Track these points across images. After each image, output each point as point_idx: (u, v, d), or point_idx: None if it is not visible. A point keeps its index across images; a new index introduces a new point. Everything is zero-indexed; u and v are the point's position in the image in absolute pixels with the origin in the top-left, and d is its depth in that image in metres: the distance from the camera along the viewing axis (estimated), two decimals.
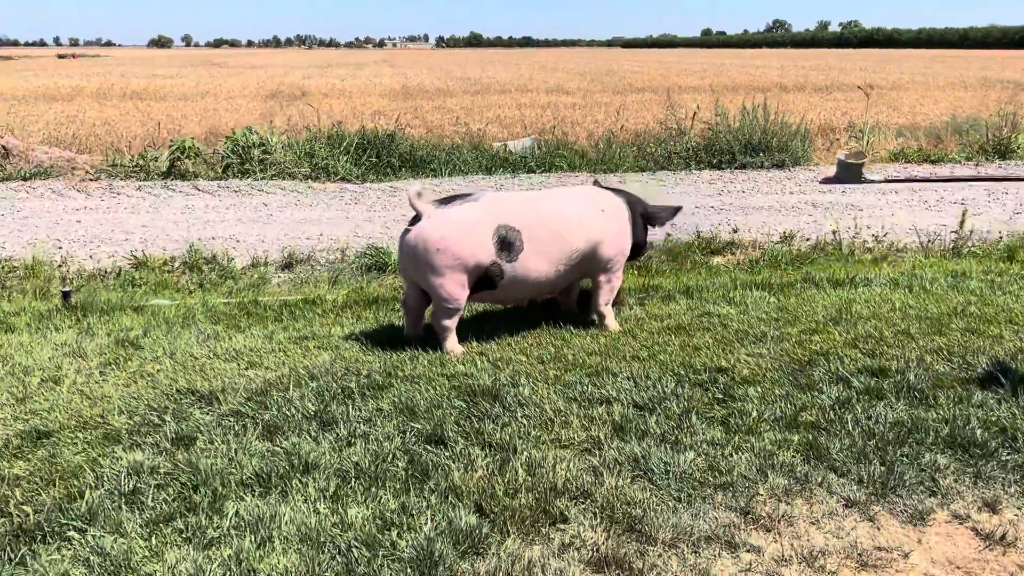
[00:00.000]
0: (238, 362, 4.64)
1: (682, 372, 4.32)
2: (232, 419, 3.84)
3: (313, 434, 3.66)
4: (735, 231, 8.17)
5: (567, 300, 5.46)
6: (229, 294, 6.05)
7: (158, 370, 4.52)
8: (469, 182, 11.38)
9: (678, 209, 5.28)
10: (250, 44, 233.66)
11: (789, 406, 3.85)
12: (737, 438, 3.57)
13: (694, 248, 7.36)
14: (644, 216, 5.22)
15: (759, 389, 4.05)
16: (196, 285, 6.27)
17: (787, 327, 5.01)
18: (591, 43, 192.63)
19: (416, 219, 4.69)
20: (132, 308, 5.56)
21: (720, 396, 4.00)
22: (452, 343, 4.79)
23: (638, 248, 5.26)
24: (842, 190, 10.73)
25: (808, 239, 7.83)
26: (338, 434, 3.65)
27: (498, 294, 4.84)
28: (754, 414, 3.77)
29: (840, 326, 4.99)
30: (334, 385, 4.20)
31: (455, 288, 4.64)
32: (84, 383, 4.29)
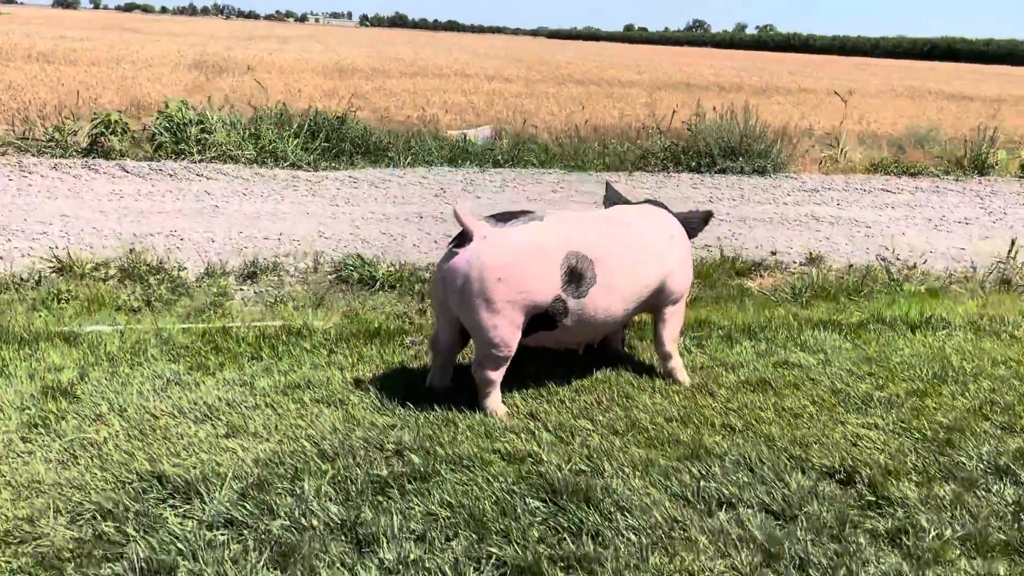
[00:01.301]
0: (214, 424, 3.50)
1: (800, 454, 3.40)
2: (224, 532, 2.72)
3: (348, 562, 2.57)
4: (773, 252, 7.31)
5: (614, 340, 4.48)
6: (187, 317, 4.83)
7: (105, 438, 3.33)
8: (435, 174, 10.26)
9: (709, 215, 4.37)
10: (164, 10, 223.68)
11: (966, 515, 2.97)
12: (930, 574, 2.65)
13: (721, 268, 6.47)
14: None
15: (914, 486, 3.16)
16: (142, 302, 5.01)
17: (888, 385, 4.16)
18: (516, 31, 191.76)
19: (463, 239, 3.62)
20: (62, 337, 4.30)
21: (871, 497, 3.10)
22: (496, 401, 3.75)
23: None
24: (836, 202, 10.07)
25: (837, 262, 7.03)
26: (383, 561, 2.58)
27: (555, 336, 3.83)
28: (931, 530, 2.87)
29: (948, 385, 4.16)
30: (358, 471, 3.11)
31: (510, 330, 3.61)
32: None
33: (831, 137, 13.63)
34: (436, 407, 3.70)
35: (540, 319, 3.69)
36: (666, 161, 11.72)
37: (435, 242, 7.22)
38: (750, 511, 2.97)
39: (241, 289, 5.57)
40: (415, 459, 3.21)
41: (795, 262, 7.01)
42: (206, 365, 4.09)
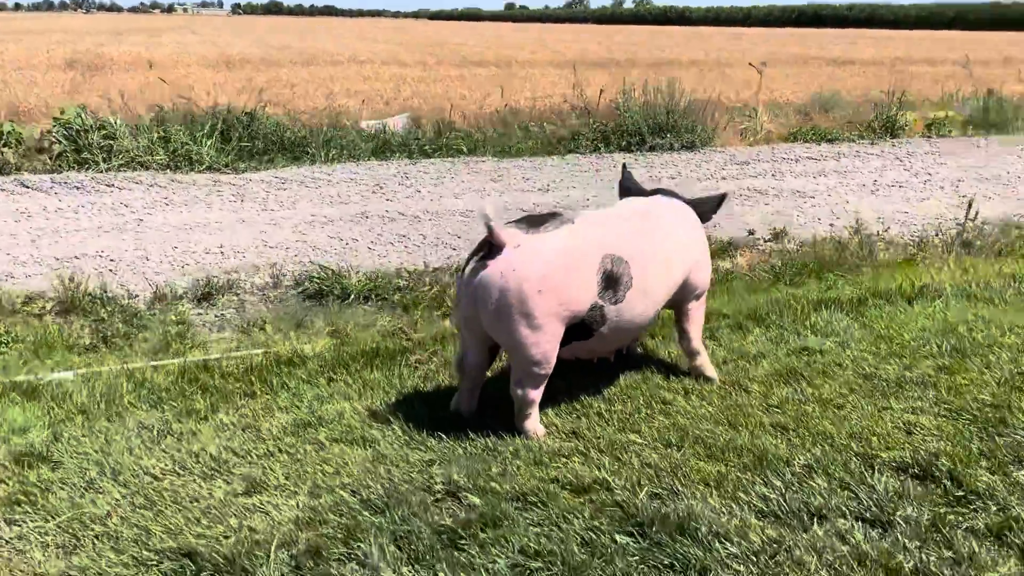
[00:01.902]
0: (227, 480, 3.08)
1: (863, 450, 3.25)
2: None
3: None
4: (751, 232, 7.19)
5: (632, 342, 4.25)
6: (154, 353, 4.31)
7: (108, 511, 2.87)
8: (365, 169, 9.78)
9: (723, 198, 4.18)
10: (18, 7, 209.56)
11: None
12: None
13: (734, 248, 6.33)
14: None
15: (988, 474, 3.04)
16: (97, 339, 4.45)
17: (914, 365, 4.07)
18: (396, 14, 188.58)
19: (489, 249, 3.29)
20: (17, 390, 3.75)
21: (957, 492, 2.96)
22: (535, 422, 3.46)
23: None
24: (771, 174, 10.13)
25: (799, 235, 7.00)
26: None
27: (590, 346, 3.56)
28: None
29: (970, 359, 4.11)
30: (418, 522, 2.76)
31: (551, 345, 3.32)
32: None
33: (748, 108, 13.77)
34: (470, 435, 3.38)
35: (576, 329, 3.41)
36: (596, 142, 11.56)
37: (390, 244, 6.83)
38: (844, 521, 2.78)
39: (200, 313, 5.06)
40: (476, 500, 2.89)
41: (762, 239, 6.94)
42: (195, 409, 3.64)
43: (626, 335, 3.63)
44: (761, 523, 2.78)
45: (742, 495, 2.93)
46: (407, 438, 3.37)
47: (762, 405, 3.68)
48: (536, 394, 3.40)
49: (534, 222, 3.45)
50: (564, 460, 3.20)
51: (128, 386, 3.81)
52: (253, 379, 3.90)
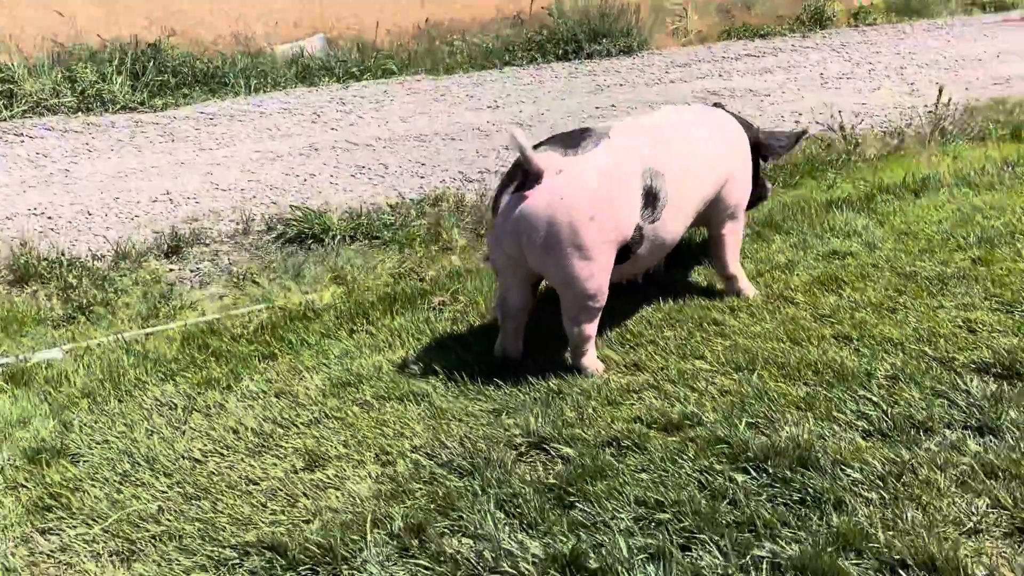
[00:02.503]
0: (278, 455, 2.77)
1: (939, 354, 3.15)
2: None
3: None
4: None
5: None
6: (144, 320, 3.86)
7: (160, 507, 2.53)
8: (296, 99, 9.15)
9: (802, 135, 3.98)
10: None
11: None
12: None
13: None
14: (755, 145, 3.84)
15: None
16: (72, 308, 3.96)
17: (949, 258, 3.98)
18: None
19: (527, 177, 2.98)
20: (2, 376, 3.29)
21: None
22: (594, 358, 3.24)
23: (753, 193, 3.89)
24: (718, 74, 9.93)
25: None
26: None
27: (624, 269, 3.32)
28: None
29: (999, 248, 4.05)
30: (518, 483, 2.52)
31: (605, 274, 3.08)
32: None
33: (676, 7, 13.47)
34: (529, 379, 3.12)
35: (617, 253, 3.16)
36: (532, 52, 11.12)
37: (352, 176, 6.38)
38: (951, 432, 2.66)
39: (173, 269, 4.58)
40: (568, 451, 2.65)
41: None
42: (215, 378, 3.27)
43: (658, 255, 3.42)
44: (870, 444, 2.64)
45: (839, 415, 2.78)
46: (460, 388, 3.10)
47: (815, 316, 3.53)
48: (593, 328, 3.17)
49: (568, 142, 3.14)
50: (638, 396, 2.99)
51: (129, 360, 3.40)
52: (269, 338, 3.54)
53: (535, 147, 3.07)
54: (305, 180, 6.31)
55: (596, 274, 3.04)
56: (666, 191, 3.22)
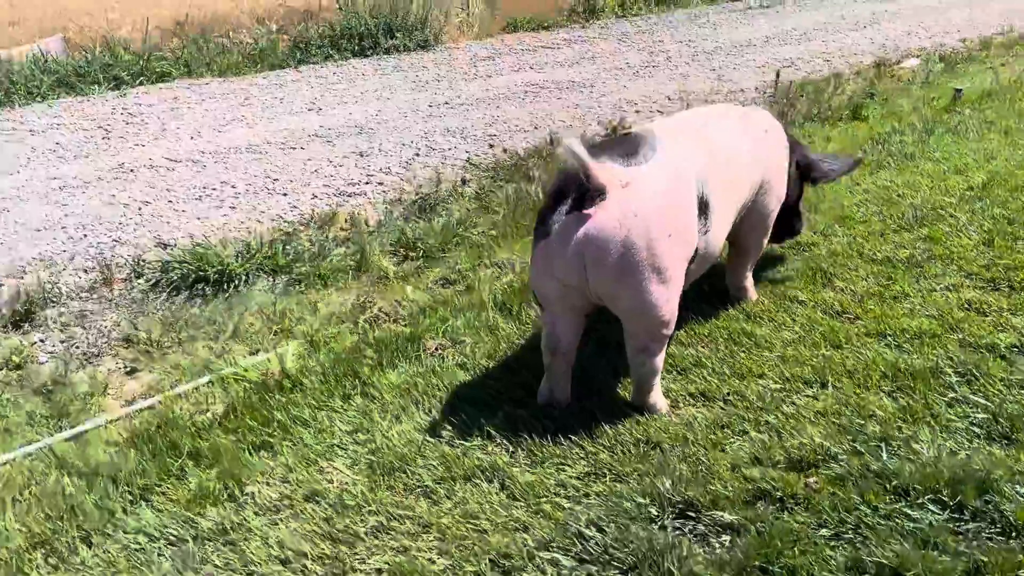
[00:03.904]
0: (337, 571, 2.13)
1: (970, 338, 3.13)
2: None
3: None
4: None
5: None
6: (57, 421, 2.89)
7: None
8: (63, 109, 7.76)
9: (859, 162, 3.87)
10: None
11: None
12: None
13: None
14: (802, 167, 3.61)
15: None
16: None
17: (903, 239, 4.05)
18: None
19: (586, 193, 2.55)
20: None
21: None
22: (660, 394, 2.87)
23: (788, 220, 3.63)
24: (530, 66, 9.80)
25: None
26: None
27: None
28: None
29: (939, 224, 4.20)
30: (707, 569, 2.11)
31: (677, 297, 2.72)
32: None
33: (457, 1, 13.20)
34: (594, 428, 2.70)
35: None
36: (326, 49, 10.34)
37: (197, 199, 5.44)
38: None
39: (37, 343, 3.55)
40: (727, 516, 2.28)
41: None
42: (206, 489, 2.49)
43: (702, 271, 3.12)
44: (1009, 451, 2.52)
45: (952, 423, 2.65)
46: (527, 452, 2.61)
47: (829, 313, 3.43)
48: (662, 360, 2.80)
49: (623, 149, 2.74)
50: (735, 433, 2.68)
51: (73, 483, 2.49)
52: (248, 422, 2.78)
53: (593, 155, 2.61)
54: (140, 209, 5.28)
55: (672, 298, 2.67)
56: (714, 199, 2.92)
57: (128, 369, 3.30)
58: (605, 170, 2.59)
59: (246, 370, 3.10)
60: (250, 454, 2.66)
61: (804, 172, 3.58)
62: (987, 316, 3.34)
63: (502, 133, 6.78)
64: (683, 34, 11.68)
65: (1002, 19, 10.94)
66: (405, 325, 3.45)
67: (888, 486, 2.35)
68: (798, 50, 9.84)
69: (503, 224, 4.46)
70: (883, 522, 2.22)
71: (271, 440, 2.72)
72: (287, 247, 4.21)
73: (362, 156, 6.29)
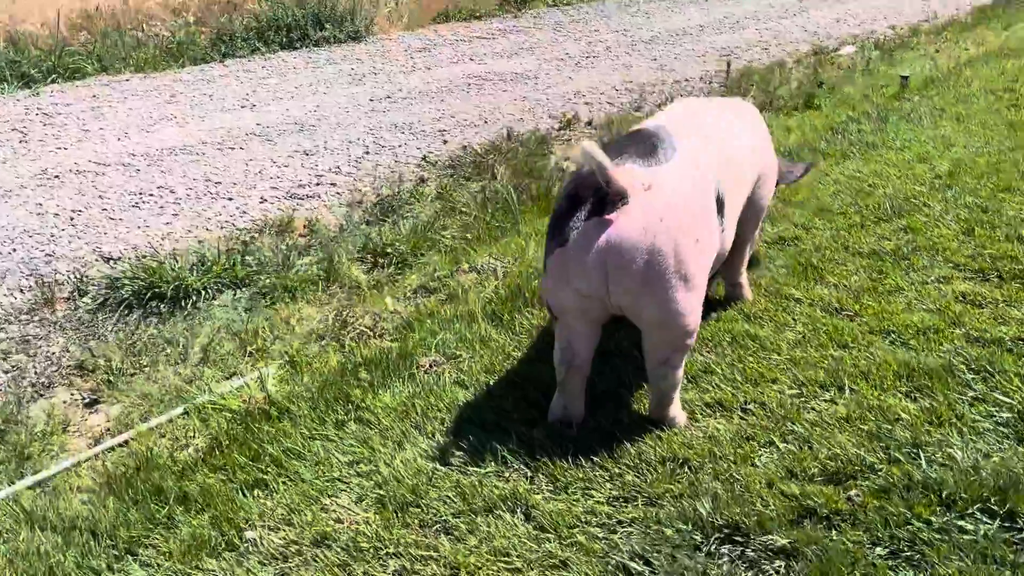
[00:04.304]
0: None
1: (982, 330, 3.09)
2: None
3: None
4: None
5: None
6: (17, 464, 2.56)
7: None
8: None
9: (810, 167, 3.77)
10: None
11: None
12: None
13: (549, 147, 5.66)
14: None
15: None
16: None
17: (883, 231, 4.02)
18: None
19: (605, 198, 2.38)
20: None
21: None
22: (680, 407, 2.72)
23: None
24: (469, 58, 9.56)
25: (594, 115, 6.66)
26: None
27: None
28: None
29: (915, 215, 4.17)
30: None
31: (700, 303, 2.58)
32: None
33: None
34: (615, 447, 2.54)
35: None
36: (252, 41, 9.90)
37: (134, 206, 5.07)
38: None
39: None
40: (778, 539, 2.14)
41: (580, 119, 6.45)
42: (200, 537, 2.23)
43: (714, 271, 2.99)
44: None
45: (982, 424, 2.58)
46: (548, 478, 2.43)
47: (828, 311, 3.35)
48: (682, 372, 2.65)
49: (638, 149, 2.57)
50: (761, 445, 2.55)
51: (46, 539, 2.20)
52: (236, 457, 2.52)
53: (605, 157, 2.43)
54: (72, 219, 4.88)
55: (697, 306, 2.53)
56: (728, 198, 2.80)
57: (87, 401, 2.98)
58: (626, 173, 2.42)
59: (224, 397, 2.82)
60: (244, 494, 2.40)
61: None
62: (984, 308, 3.31)
63: (452, 128, 6.55)
64: (617, 23, 11.61)
65: (924, 4, 11.22)
66: (392, 340, 3.22)
67: (933, 497, 2.25)
68: (734, 38, 9.86)
69: (475, 225, 4.25)
70: (938, 536, 2.12)
71: (265, 477, 2.47)
72: (246, 257, 3.91)
73: (307, 155, 5.98)
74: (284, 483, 2.46)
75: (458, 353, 3.08)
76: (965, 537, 2.12)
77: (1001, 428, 2.55)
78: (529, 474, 2.45)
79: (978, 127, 5.58)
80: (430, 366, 3.01)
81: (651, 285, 2.40)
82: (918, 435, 2.52)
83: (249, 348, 3.18)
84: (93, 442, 2.70)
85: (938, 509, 2.20)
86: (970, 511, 2.20)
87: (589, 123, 6.26)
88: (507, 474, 2.46)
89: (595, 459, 2.49)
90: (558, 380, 2.65)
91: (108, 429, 2.77)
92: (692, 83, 7.77)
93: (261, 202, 5.05)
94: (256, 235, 4.39)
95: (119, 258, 4.13)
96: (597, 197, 2.41)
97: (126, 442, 2.67)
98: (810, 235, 4.04)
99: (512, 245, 4.01)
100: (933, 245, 3.85)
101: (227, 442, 2.61)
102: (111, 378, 3.06)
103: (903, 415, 2.62)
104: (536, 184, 4.75)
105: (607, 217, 2.39)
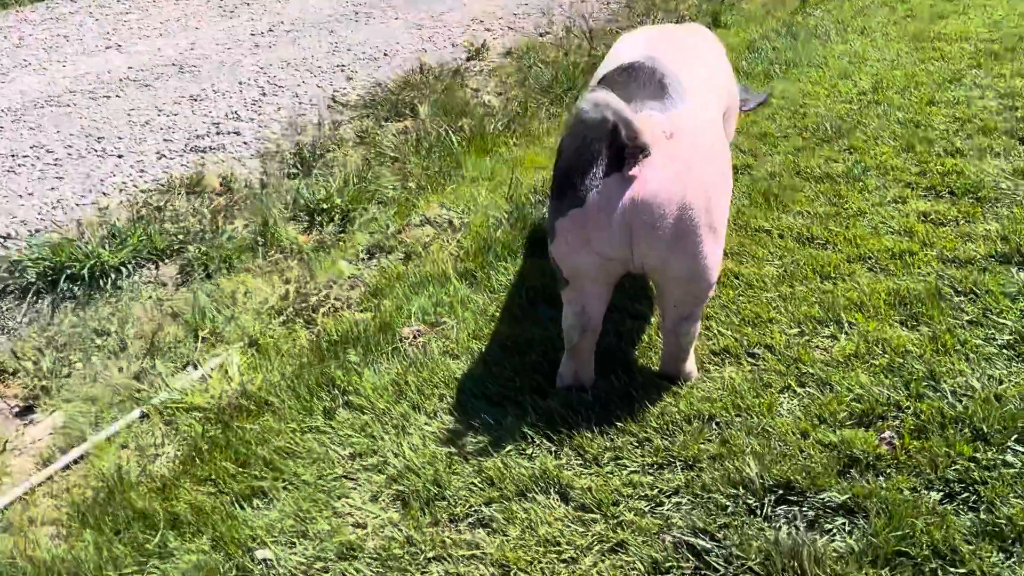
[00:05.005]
0: None
1: (952, 251, 3.12)
2: None
3: None
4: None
5: None
6: None
7: None
8: None
9: (765, 100, 3.62)
10: None
11: None
12: None
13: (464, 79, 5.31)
14: None
15: None
16: None
17: (830, 153, 4.01)
18: None
19: (617, 152, 2.18)
20: None
21: None
22: (694, 360, 2.60)
23: None
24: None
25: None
26: None
27: None
28: None
29: (854, 136, 4.18)
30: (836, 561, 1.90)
31: (722, 250, 2.45)
32: None
33: None
34: (635, 409, 2.41)
35: None
36: None
37: (9, 171, 4.45)
38: None
39: None
40: (836, 496, 2.07)
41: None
42: (206, 567, 1.95)
43: None
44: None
45: (986, 349, 2.58)
46: (574, 451, 2.27)
47: (801, 240, 3.29)
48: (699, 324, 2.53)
49: (644, 91, 2.35)
50: (780, 392, 2.47)
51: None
52: (218, 463, 2.22)
53: (609, 101, 2.20)
54: None
55: (720, 257, 2.38)
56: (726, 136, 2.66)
57: (18, 410, 2.57)
58: (647, 121, 2.21)
59: (187, 394, 2.48)
60: (242, 507, 2.12)
61: None
62: (946, 227, 3.33)
63: (352, 63, 6.09)
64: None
65: None
66: (362, 310, 2.93)
67: (968, 432, 2.23)
68: None
69: (414, 173, 3.94)
70: (988, 473, 2.10)
71: (261, 484, 2.19)
72: (164, 225, 3.48)
73: (196, 100, 5.42)
74: (284, 488, 2.19)
75: (439, 320, 2.83)
76: (1010, 471, 2.11)
77: (1006, 351, 2.56)
78: (553, 448, 2.28)
79: (883, 40, 5.65)
80: (414, 337, 2.75)
81: (682, 241, 2.23)
82: (933, 367, 2.49)
83: (201, 332, 2.82)
84: (42, 462, 2.32)
85: (980, 445, 2.18)
86: (1007, 444, 2.19)
87: (508, 53, 5.93)
88: (529, 451, 2.27)
89: (618, 424, 2.34)
90: (568, 346, 2.46)
91: (56, 445, 2.39)
92: (590, 3, 7.53)
93: (159, 158, 4.53)
94: (164, 196, 3.92)
95: (9, 236, 3.61)
96: (613, 149, 2.19)
97: (82, 457, 2.31)
98: (760, 162, 3.96)
99: (461, 192, 3.74)
100: (879, 165, 3.85)
101: (207, 447, 2.30)
102: (42, 381, 2.65)
103: (910, 347, 2.59)
104: (467, 122, 4.45)
105: (630, 173, 2.18)
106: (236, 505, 2.13)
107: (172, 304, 3.06)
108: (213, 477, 2.21)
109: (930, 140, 4.06)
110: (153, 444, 2.35)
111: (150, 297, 3.12)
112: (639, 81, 2.36)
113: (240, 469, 2.23)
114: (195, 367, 2.66)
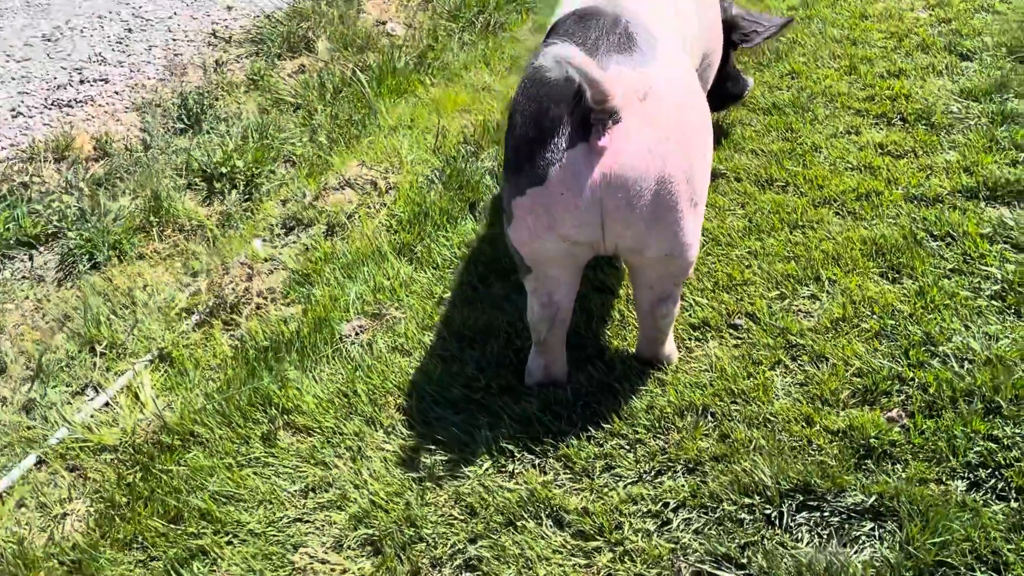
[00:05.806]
0: None
1: (917, 185, 2.96)
2: None
3: None
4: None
5: None
6: None
7: None
8: None
9: (789, 22, 3.23)
10: None
11: None
12: None
13: (360, 4, 4.75)
14: (728, 24, 3.04)
15: None
16: None
17: (778, 82, 3.77)
18: None
19: (583, 117, 1.84)
20: None
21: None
22: (673, 341, 2.35)
23: (722, 85, 3.13)
24: None
25: None
26: None
27: None
28: None
29: (791, 59, 3.95)
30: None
31: (701, 223, 2.17)
32: None
33: None
34: (619, 404, 2.15)
35: None
36: None
37: None
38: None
39: None
40: (860, 499, 1.87)
41: None
42: None
43: None
44: None
45: (976, 303, 2.42)
46: (560, 463, 2.01)
47: (760, 184, 3.06)
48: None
49: (608, 42, 1.99)
50: (769, 368, 2.25)
51: None
52: (149, 524, 1.84)
53: (574, 54, 1.82)
54: None
55: (699, 232, 2.10)
56: None
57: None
58: (616, 80, 1.86)
59: (90, 430, 2.06)
60: (190, 559, 1.76)
61: (730, 31, 3.05)
62: (904, 159, 3.16)
63: None
64: None
65: None
66: (287, 303, 2.52)
67: (981, 405, 2.07)
68: None
69: (328, 125, 3.48)
70: (1014, 455, 1.94)
71: (199, 542, 1.82)
72: (32, 204, 2.94)
73: (50, 42, 4.69)
74: (229, 543, 1.84)
75: (382, 310, 2.47)
76: None
77: (995, 303, 2.40)
78: (537, 461, 2.00)
79: None
80: (356, 334, 2.38)
81: (661, 220, 1.93)
82: (927, 328, 2.31)
83: (97, 346, 2.36)
84: None
85: (997, 421, 2.02)
86: (1020, 415, 2.04)
87: None
88: (510, 467, 1.99)
89: (605, 425, 2.08)
90: (536, 339, 2.15)
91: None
92: None
93: (15, 116, 3.88)
94: (27, 166, 3.34)
95: None
96: (578, 116, 1.84)
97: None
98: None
99: (380, 145, 3.31)
100: (825, 91, 3.64)
101: (126, 500, 1.91)
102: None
103: (897, 305, 2.41)
104: (374, 57, 3.97)
105: (599, 144, 1.84)
106: (173, 574, 1.77)
107: (56, 306, 2.58)
108: (139, 539, 1.83)
109: (871, 60, 3.86)
110: (58, 500, 1.94)
111: (27, 298, 2.62)
112: (602, 31, 1.99)
113: (171, 526, 1.86)
114: (96, 391, 2.23)
